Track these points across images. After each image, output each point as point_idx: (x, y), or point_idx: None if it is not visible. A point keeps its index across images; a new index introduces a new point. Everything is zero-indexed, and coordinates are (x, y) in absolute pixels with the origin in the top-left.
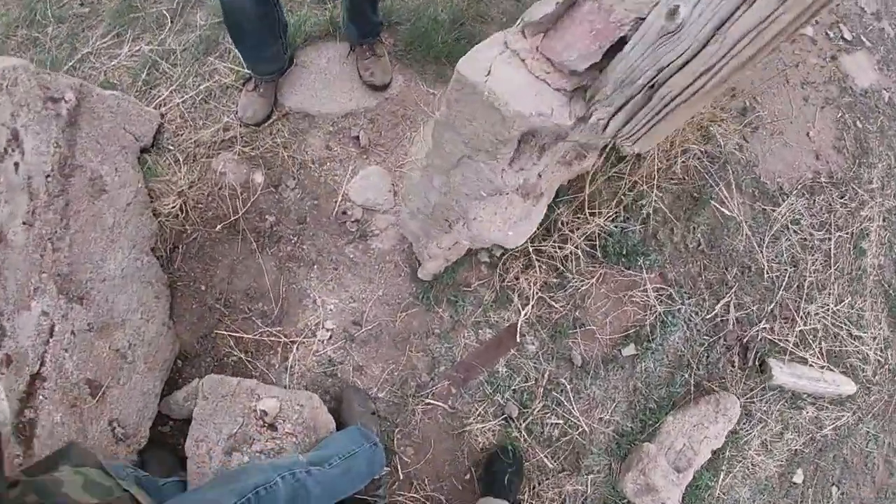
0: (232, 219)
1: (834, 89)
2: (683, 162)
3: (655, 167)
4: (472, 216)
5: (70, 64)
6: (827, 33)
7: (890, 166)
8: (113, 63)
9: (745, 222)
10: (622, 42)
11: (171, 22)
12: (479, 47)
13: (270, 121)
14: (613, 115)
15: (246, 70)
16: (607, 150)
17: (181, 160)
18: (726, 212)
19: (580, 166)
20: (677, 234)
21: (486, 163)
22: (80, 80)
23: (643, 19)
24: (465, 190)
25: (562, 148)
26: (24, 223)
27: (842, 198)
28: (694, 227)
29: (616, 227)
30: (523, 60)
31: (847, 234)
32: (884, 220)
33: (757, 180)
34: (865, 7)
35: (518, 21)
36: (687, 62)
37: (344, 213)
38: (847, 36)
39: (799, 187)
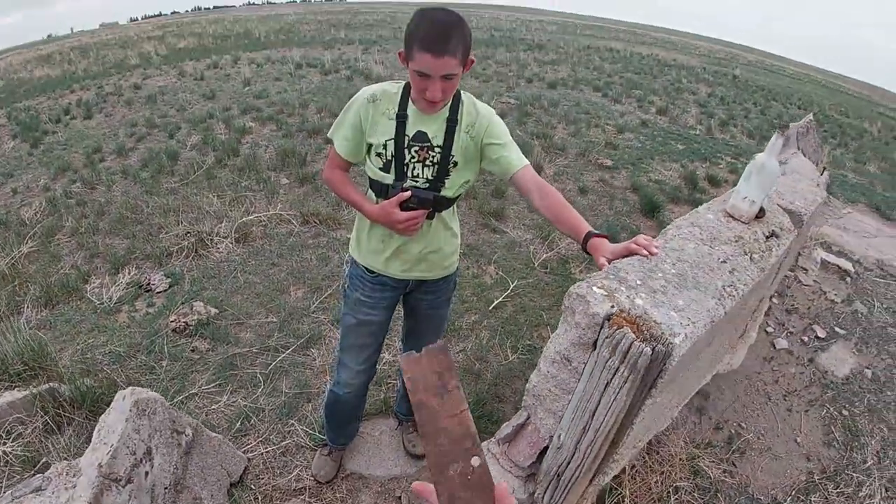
0: None
1: (815, 390)
2: (676, 498)
3: None
4: None
5: (179, 399)
6: (801, 339)
7: (884, 438)
8: (213, 407)
9: None
10: (546, 448)
11: (263, 384)
12: None
13: (336, 478)
14: (545, 490)
15: (322, 437)
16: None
17: (260, 499)
18: None
19: None
20: None
21: None
22: (196, 421)
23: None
24: None
25: None
26: None
27: (837, 487)
28: None
29: None
30: (497, 459)
31: None
32: (886, 491)
33: (750, 498)
34: (835, 297)
35: (495, 435)
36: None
37: None
38: (821, 334)
39: (793, 493)
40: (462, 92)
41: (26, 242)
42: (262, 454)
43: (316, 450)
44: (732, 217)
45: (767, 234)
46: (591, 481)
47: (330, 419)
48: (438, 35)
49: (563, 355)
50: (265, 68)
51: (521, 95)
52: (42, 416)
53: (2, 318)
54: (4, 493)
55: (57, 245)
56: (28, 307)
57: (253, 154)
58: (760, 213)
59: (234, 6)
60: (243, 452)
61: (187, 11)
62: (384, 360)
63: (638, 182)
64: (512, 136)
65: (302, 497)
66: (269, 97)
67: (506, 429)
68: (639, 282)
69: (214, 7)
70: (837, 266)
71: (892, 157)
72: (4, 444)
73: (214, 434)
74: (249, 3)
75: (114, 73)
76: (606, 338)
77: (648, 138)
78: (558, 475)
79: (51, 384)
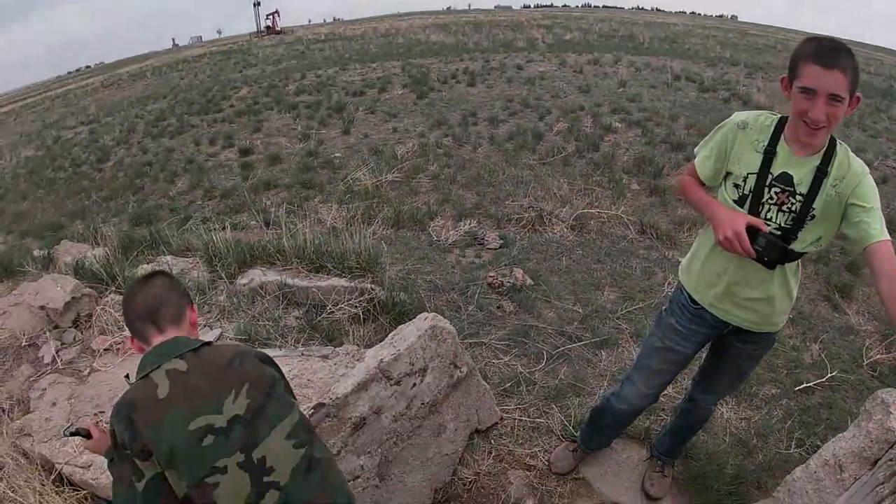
0: None
1: None
2: None
3: None
4: None
5: (470, 341)
6: None
7: None
8: (494, 361)
9: None
10: None
11: (545, 362)
12: None
13: (567, 475)
14: None
15: (575, 433)
16: None
17: (493, 454)
18: None
19: None
20: None
21: None
22: (474, 364)
23: None
24: None
25: None
26: (394, 417)
27: None
28: None
29: None
30: None
31: None
32: None
33: None
34: None
35: None
36: None
37: None
38: None
39: None
40: (839, 142)
41: (392, 172)
42: (514, 419)
43: (563, 441)
44: None
45: None
46: None
47: (593, 423)
48: (830, 49)
49: (837, 461)
50: (643, 73)
51: None
52: (355, 307)
53: (355, 223)
54: (299, 347)
55: (417, 182)
56: (378, 222)
57: (612, 153)
58: None
59: (622, 7)
60: (500, 410)
61: (577, 7)
62: (665, 394)
63: None
64: (889, 208)
65: (528, 473)
66: (640, 102)
67: None
68: None
69: (604, 6)
70: None
71: None
72: (318, 314)
73: (483, 382)
74: (638, 8)
75: (501, 51)
76: (890, 459)
77: None
78: None
79: (372, 285)
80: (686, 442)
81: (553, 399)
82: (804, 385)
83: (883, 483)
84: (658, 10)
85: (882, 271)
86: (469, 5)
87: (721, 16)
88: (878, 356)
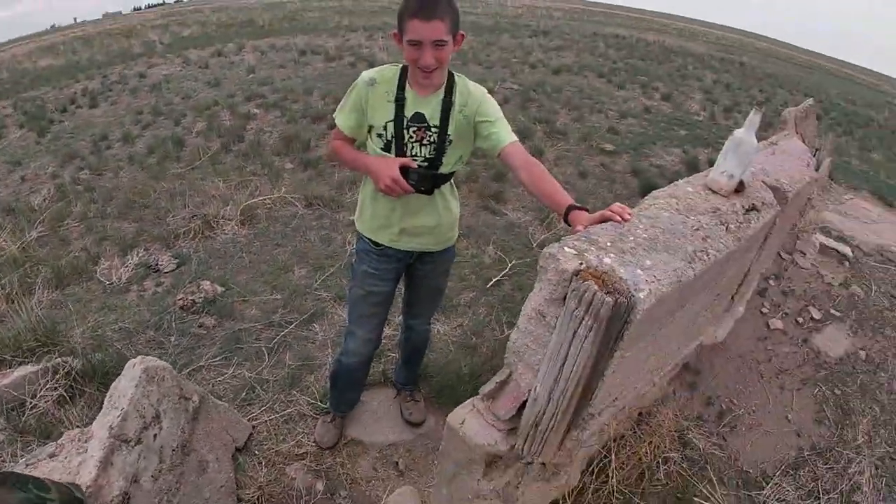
0: None
1: (809, 369)
2: (665, 468)
3: (644, 475)
4: None
5: (186, 371)
6: (797, 320)
7: (876, 418)
8: (220, 379)
9: None
10: (526, 402)
11: (267, 357)
12: (458, 409)
13: (337, 445)
14: (525, 441)
15: (325, 405)
16: (590, 468)
17: (263, 463)
18: None
19: (558, 482)
20: None
21: (468, 475)
22: (203, 389)
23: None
24: (458, 496)
25: (531, 469)
26: (152, 477)
27: (826, 463)
28: None
29: None
30: (482, 414)
31: (836, 494)
32: (876, 469)
33: (740, 471)
34: (832, 280)
35: (479, 390)
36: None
37: None
38: (816, 316)
39: (783, 468)
40: (456, 74)
41: (36, 227)
42: (265, 422)
43: (318, 418)
44: (712, 191)
45: (747, 207)
46: (567, 432)
47: (334, 387)
48: (427, 2)
49: (538, 311)
50: (269, 56)
51: (525, 81)
52: (55, 389)
53: (14, 299)
54: (20, 460)
55: (66, 230)
56: (39, 289)
57: (257, 140)
58: (740, 188)
59: None
60: (248, 421)
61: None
62: (385, 335)
63: (639, 167)
64: (514, 121)
65: (304, 461)
66: (273, 84)
67: (489, 385)
68: (609, 244)
69: None
70: (836, 250)
71: None
72: (20, 415)
73: (220, 402)
74: None
75: (118, 62)
76: (573, 290)
77: (651, 124)
78: (536, 425)
79: (63, 358)
80: (419, 365)
81: (291, 386)
82: (493, 281)
83: (576, 308)
84: None
85: (518, 165)
86: (75, 19)
87: None
88: (543, 236)
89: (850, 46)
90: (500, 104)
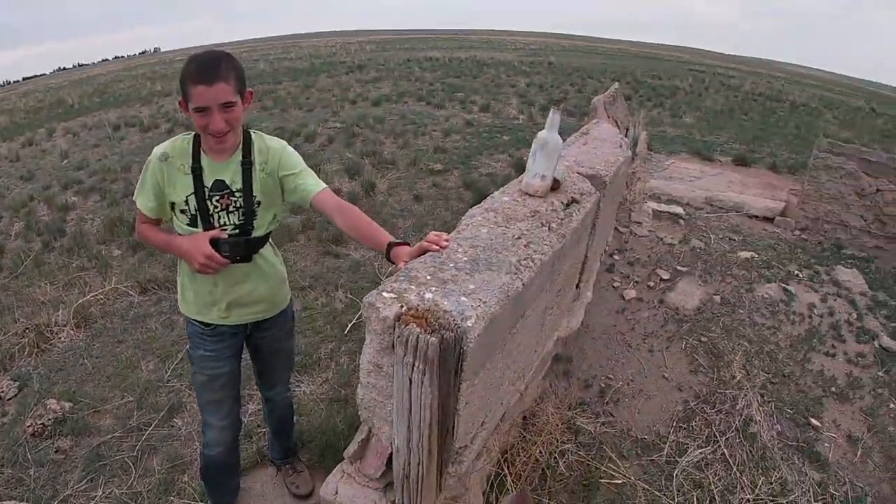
0: None
1: (671, 326)
2: (564, 461)
3: (545, 474)
4: None
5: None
6: (648, 285)
7: (747, 351)
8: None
9: (639, 480)
10: (391, 455)
11: (134, 468)
12: (329, 478)
13: None
14: (401, 494)
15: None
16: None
17: None
18: (619, 481)
19: None
20: None
21: None
22: None
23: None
24: None
25: None
26: None
27: (713, 407)
28: None
29: None
30: (353, 477)
31: (732, 432)
32: (762, 397)
33: (636, 441)
34: (672, 240)
35: (344, 453)
36: None
37: None
38: (664, 276)
39: (675, 424)
40: (252, 132)
41: None
42: None
43: None
44: (528, 195)
45: (566, 202)
46: (441, 473)
47: (208, 483)
48: (207, 65)
49: (374, 363)
50: (82, 136)
51: (347, 118)
52: None
53: None
54: None
55: None
56: None
57: (80, 230)
58: (555, 185)
59: (44, 73)
60: None
61: None
62: (249, 412)
63: (469, 179)
64: (341, 159)
65: None
66: (89, 167)
67: (352, 446)
68: (428, 277)
69: (24, 78)
70: (668, 212)
71: (705, 105)
72: None
73: None
74: (61, 69)
75: None
76: (398, 337)
77: (474, 136)
78: (406, 476)
79: None
80: (292, 435)
81: (166, 493)
82: (350, 325)
83: (405, 355)
84: (80, 65)
85: (333, 211)
86: None
87: (144, 52)
88: (390, 268)
89: (662, 30)
90: (325, 144)
